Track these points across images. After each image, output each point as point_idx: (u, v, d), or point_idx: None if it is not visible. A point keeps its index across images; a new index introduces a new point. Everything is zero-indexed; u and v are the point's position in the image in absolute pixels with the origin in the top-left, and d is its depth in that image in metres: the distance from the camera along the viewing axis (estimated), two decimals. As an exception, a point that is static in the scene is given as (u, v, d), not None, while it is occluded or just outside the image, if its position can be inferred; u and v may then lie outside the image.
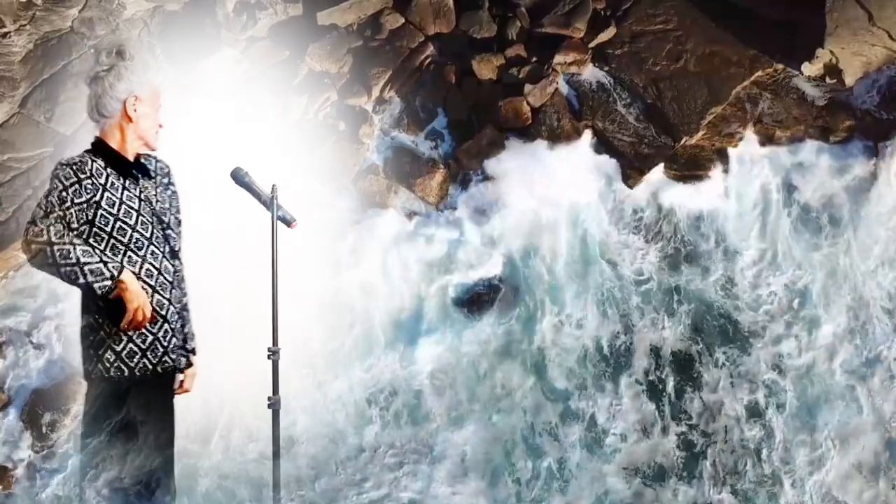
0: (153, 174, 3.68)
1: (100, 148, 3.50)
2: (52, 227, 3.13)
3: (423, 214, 9.41)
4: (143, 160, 3.64)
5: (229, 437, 8.28)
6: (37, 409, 8.50)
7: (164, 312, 3.47)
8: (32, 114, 9.11)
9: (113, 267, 3.18)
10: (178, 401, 3.70)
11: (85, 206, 3.28)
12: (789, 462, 8.28)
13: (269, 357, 3.58)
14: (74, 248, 3.13)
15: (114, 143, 3.52)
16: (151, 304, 3.37)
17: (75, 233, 3.26)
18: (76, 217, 3.26)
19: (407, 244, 9.25)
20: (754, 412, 8.49)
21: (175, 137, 4.09)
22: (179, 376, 3.74)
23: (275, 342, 3.57)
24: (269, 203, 3.70)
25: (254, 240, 4.07)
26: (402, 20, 10.13)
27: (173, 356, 3.53)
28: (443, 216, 9.39)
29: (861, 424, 8.43)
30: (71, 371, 8.64)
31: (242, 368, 4.02)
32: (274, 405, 3.57)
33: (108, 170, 3.44)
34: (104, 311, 3.31)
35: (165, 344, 3.47)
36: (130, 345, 3.37)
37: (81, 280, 3.14)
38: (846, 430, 8.40)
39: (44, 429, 8.45)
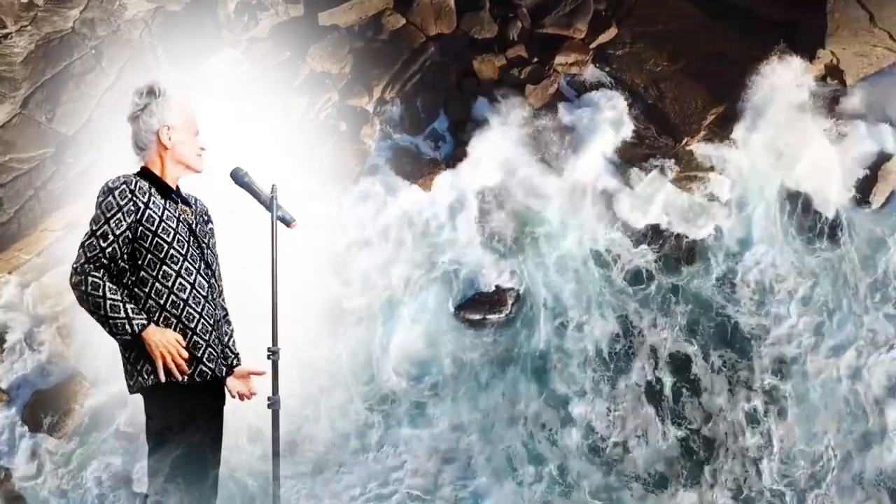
0: (192, 204, 3.86)
1: (144, 173, 3.71)
2: (89, 277, 3.41)
3: (425, 215, 9.41)
4: (185, 194, 3.86)
5: (235, 435, 8.27)
6: (38, 409, 8.51)
7: (192, 325, 3.61)
8: (34, 114, 9.11)
9: (137, 325, 3.42)
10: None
11: (127, 230, 3.49)
12: (788, 475, 8.20)
13: (268, 357, 3.59)
14: (105, 302, 3.40)
15: (156, 171, 3.73)
16: (180, 317, 3.59)
17: (119, 263, 3.50)
18: (120, 244, 3.48)
19: (408, 244, 9.27)
20: (754, 419, 8.41)
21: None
22: (236, 383, 3.90)
23: (274, 342, 3.58)
24: (268, 203, 3.71)
25: (254, 240, 4.09)
26: (404, 21, 10.13)
27: (210, 365, 3.64)
28: (444, 216, 9.40)
29: (863, 432, 8.35)
30: (72, 372, 8.65)
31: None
32: (274, 405, 3.58)
33: (152, 189, 3.64)
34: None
35: (199, 355, 3.60)
36: None
37: (107, 330, 3.44)
38: (848, 439, 8.31)
39: (45, 428, 8.46)
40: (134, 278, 3.53)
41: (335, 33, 9.98)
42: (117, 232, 3.45)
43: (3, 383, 8.63)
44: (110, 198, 3.50)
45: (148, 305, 3.52)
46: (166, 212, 3.63)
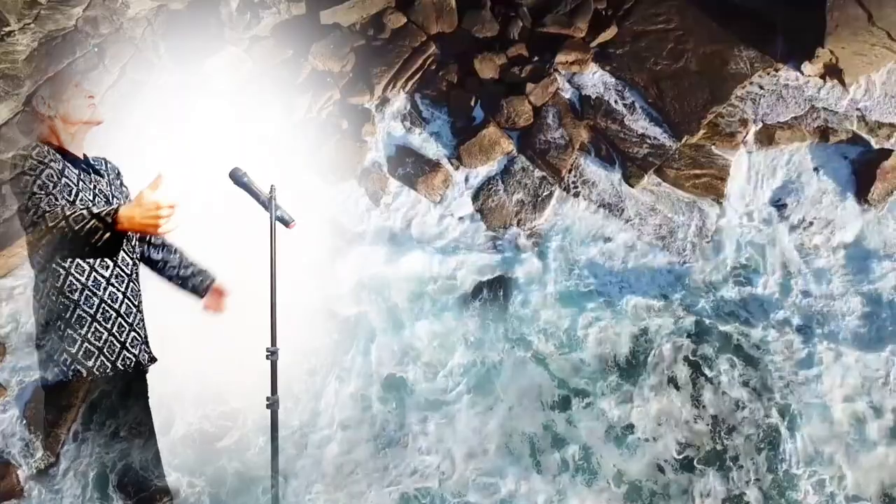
0: (103, 173, 3.69)
1: (48, 144, 3.47)
2: (55, 209, 3.09)
3: (426, 213, 9.44)
4: (92, 161, 3.65)
5: (239, 436, 8.27)
6: (39, 404, 8.55)
7: (116, 306, 3.45)
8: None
9: (109, 214, 3.05)
10: (177, 398, 3.74)
11: (55, 188, 3.24)
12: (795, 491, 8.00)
13: (267, 357, 3.62)
14: (69, 219, 3.04)
15: (55, 143, 3.53)
16: (104, 297, 3.37)
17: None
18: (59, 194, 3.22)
19: (409, 243, 9.29)
20: (765, 435, 8.22)
21: (177, 136, 4.16)
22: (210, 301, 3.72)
23: (273, 342, 3.61)
24: (267, 203, 3.74)
25: (254, 240, 4.12)
26: (405, 20, 10.17)
27: (134, 351, 3.52)
28: (445, 215, 9.42)
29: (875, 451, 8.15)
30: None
31: (243, 369, 4.06)
32: (272, 405, 3.62)
33: (63, 160, 3.41)
34: (56, 310, 3.30)
35: (122, 339, 3.48)
36: (86, 344, 3.42)
37: (83, 243, 3.06)
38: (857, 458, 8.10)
39: (45, 423, 8.47)
40: (49, 254, 3.32)
41: (337, 32, 10.02)
42: (48, 182, 3.21)
43: (5, 378, 8.68)
44: (30, 160, 3.25)
45: (68, 283, 3.30)
46: (81, 182, 3.44)
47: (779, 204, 9.12)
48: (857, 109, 9.25)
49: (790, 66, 9.50)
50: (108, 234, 3.01)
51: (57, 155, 3.38)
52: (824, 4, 9.10)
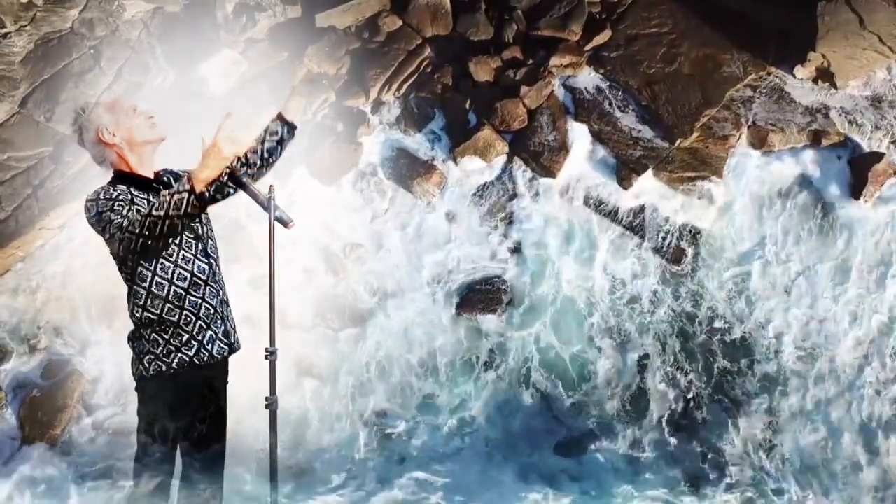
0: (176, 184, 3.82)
1: (118, 176, 3.74)
2: (123, 222, 3.36)
3: (420, 216, 9.46)
4: (165, 178, 3.89)
5: (238, 437, 8.22)
6: (35, 406, 8.55)
7: (196, 311, 3.69)
8: (32, 113, 9.17)
9: (184, 185, 3.30)
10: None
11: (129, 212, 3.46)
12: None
13: (266, 358, 3.64)
14: (153, 210, 3.29)
15: (125, 168, 3.77)
16: (183, 307, 3.63)
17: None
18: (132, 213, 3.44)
19: (404, 246, 9.30)
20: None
21: (174, 138, 4.18)
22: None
23: (272, 343, 3.63)
24: (266, 204, 3.76)
25: (252, 240, 4.15)
26: (400, 22, 10.19)
27: (209, 348, 3.73)
28: (440, 216, 9.45)
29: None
30: (69, 369, 8.69)
31: (242, 369, 4.08)
32: (271, 405, 3.63)
33: (132, 189, 3.65)
34: (149, 322, 3.61)
35: (200, 339, 3.69)
36: (168, 346, 3.63)
37: (178, 221, 3.30)
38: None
39: (41, 426, 8.49)
40: (132, 274, 3.57)
41: (332, 34, 10.04)
42: (125, 212, 3.44)
43: (2, 380, 8.68)
44: (101, 199, 3.51)
45: (149, 300, 3.57)
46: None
47: (773, 205, 9.17)
48: (849, 112, 9.31)
49: (783, 69, 9.56)
50: (192, 200, 3.28)
51: (123, 189, 3.60)
52: (816, 9, 9.16)
